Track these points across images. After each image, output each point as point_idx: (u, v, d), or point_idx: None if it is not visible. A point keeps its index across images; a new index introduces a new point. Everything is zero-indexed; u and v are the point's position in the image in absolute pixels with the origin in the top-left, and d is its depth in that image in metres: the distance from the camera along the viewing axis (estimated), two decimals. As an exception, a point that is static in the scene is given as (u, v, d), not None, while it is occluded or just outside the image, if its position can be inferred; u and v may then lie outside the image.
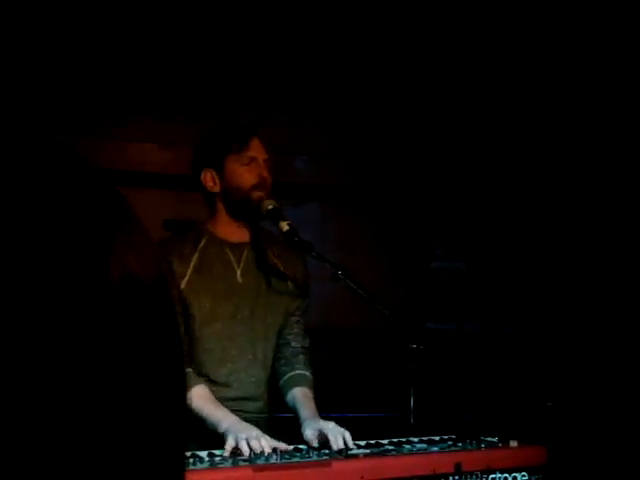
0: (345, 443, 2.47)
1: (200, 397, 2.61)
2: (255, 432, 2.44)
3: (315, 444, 2.51)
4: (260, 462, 2.31)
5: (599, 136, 4.51)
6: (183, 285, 2.72)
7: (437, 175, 4.93)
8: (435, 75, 4.78)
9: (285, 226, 2.73)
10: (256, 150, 2.79)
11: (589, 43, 4.34)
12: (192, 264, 2.75)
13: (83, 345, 0.50)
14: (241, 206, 2.78)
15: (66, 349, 0.49)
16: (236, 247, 2.83)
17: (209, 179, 2.79)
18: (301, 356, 2.89)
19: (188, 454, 2.34)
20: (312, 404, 2.73)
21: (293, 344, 2.89)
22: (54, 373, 0.49)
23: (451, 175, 4.93)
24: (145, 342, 0.54)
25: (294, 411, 2.74)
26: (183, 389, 0.58)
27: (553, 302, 4.60)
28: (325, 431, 2.51)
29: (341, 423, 2.64)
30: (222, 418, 2.55)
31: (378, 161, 4.91)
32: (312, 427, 2.56)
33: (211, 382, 2.72)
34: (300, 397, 2.76)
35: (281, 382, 2.86)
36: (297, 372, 2.84)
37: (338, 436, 2.47)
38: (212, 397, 2.65)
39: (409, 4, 4.51)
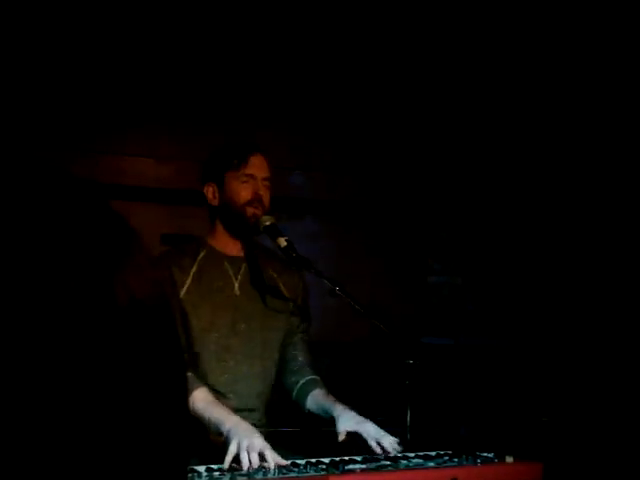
0: (385, 448, 2.54)
1: (201, 399, 2.63)
2: (258, 441, 2.45)
3: (341, 438, 2.57)
4: (258, 477, 2.32)
5: (598, 148, 4.53)
6: (182, 294, 2.77)
7: (434, 189, 4.95)
8: (430, 90, 4.81)
9: (283, 242, 2.76)
10: (255, 168, 2.84)
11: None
12: (191, 274, 2.80)
13: (93, 363, 0.52)
14: (236, 221, 2.84)
15: (77, 366, 0.51)
16: (235, 261, 2.87)
17: (210, 193, 2.87)
18: (308, 366, 2.95)
19: (186, 469, 2.35)
20: (336, 400, 2.77)
21: (300, 358, 2.96)
22: (66, 387, 0.51)
23: (448, 189, 4.95)
24: (150, 358, 0.56)
25: (319, 411, 2.80)
26: (185, 398, 0.60)
27: (549, 316, 4.61)
28: (365, 437, 2.56)
29: (337, 437, 2.66)
30: (224, 419, 2.56)
31: (375, 176, 4.92)
32: (349, 424, 2.62)
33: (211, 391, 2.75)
34: (321, 396, 2.83)
35: (294, 394, 2.91)
36: (307, 378, 2.92)
37: (377, 442, 2.54)
38: (213, 399, 2.67)
39: (406, 17, 4.54)
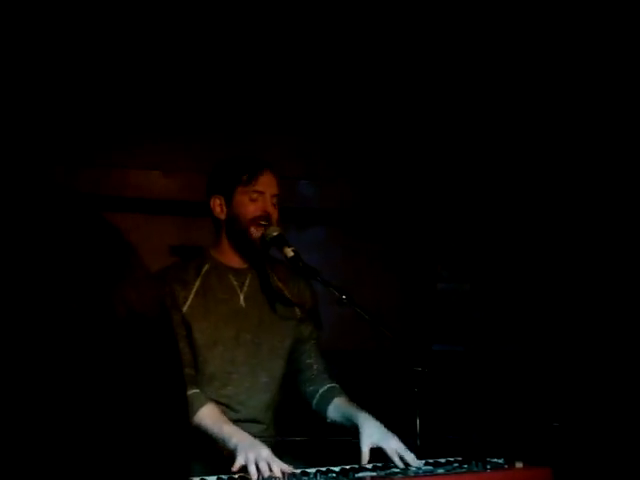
0: (407, 463, 2.55)
1: (208, 416, 2.64)
2: (264, 452, 2.46)
3: (365, 459, 2.57)
4: (268, 487, 2.34)
5: (607, 154, 4.53)
6: (185, 309, 2.76)
7: (441, 197, 4.96)
8: (437, 98, 4.82)
9: (290, 252, 2.77)
10: (265, 184, 2.84)
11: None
12: (195, 289, 2.80)
13: (92, 373, 0.54)
14: (242, 238, 2.83)
15: (76, 377, 0.53)
16: (239, 272, 2.87)
17: (217, 206, 2.87)
18: (325, 374, 2.95)
19: (197, 479, 2.37)
20: (358, 407, 2.78)
21: (315, 366, 2.95)
22: (64, 395, 0.52)
23: (456, 196, 4.96)
24: (148, 369, 0.58)
25: (342, 420, 2.79)
26: (184, 410, 0.62)
27: (560, 322, 4.61)
28: (388, 453, 2.57)
29: (348, 446, 2.67)
30: (231, 435, 2.57)
31: (382, 184, 4.94)
32: (372, 440, 2.61)
33: (216, 404, 2.75)
34: (343, 405, 2.82)
35: (314, 402, 2.90)
36: (327, 386, 2.91)
37: (399, 458, 2.55)
38: (221, 415, 2.68)
39: (410, 25, 4.56)
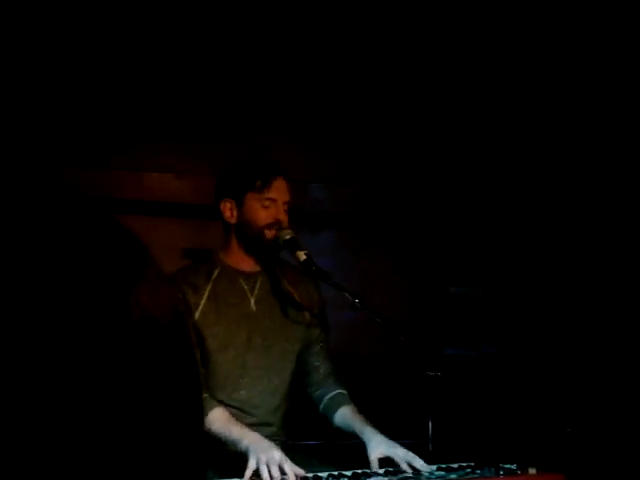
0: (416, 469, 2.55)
1: (218, 419, 2.64)
2: (277, 454, 2.46)
3: (376, 468, 2.58)
4: (280, 491, 2.33)
5: (615, 157, 4.51)
6: (197, 315, 2.77)
7: (454, 200, 4.95)
8: (453, 99, 4.81)
9: (302, 256, 2.76)
10: (277, 192, 2.83)
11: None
12: (206, 294, 2.80)
13: (107, 378, 0.53)
14: (253, 242, 2.83)
15: (91, 382, 0.52)
16: (249, 276, 2.87)
17: (227, 209, 2.86)
18: (331, 377, 2.95)
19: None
20: (365, 419, 2.78)
21: (322, 369, 2.95)
22: (78, 401, 0.52)
23: (468, 200, 4.94)
24: (163, 373, 0.57)
25: (347, 429, 2.79)
26: (199, 416, 0.61)
27: (573, 326, 4.59)
28: (397, 460, 2.57)
29: (359, 450, 2.66)
30: (242, 436, 2.58)
31: (394, 188, 4.93)
32: (379, 450, 2.61)
33: (226, 407, 2.75)
34: (351, 415, 2.82)
35: (322, 407, 2.91)
36: (335, 392, 2.91)
37: (409, 465, 2.55)
38: (230, 417, 2.68)
39: (413, 30, 4.55)
